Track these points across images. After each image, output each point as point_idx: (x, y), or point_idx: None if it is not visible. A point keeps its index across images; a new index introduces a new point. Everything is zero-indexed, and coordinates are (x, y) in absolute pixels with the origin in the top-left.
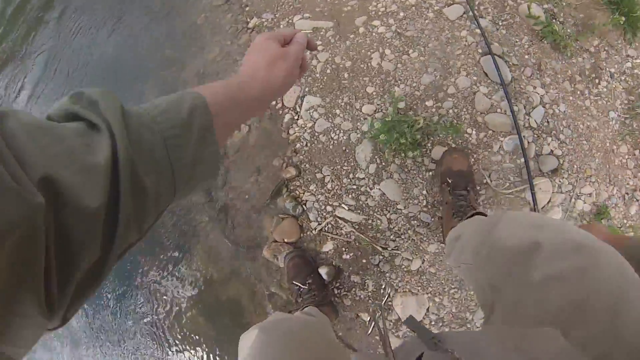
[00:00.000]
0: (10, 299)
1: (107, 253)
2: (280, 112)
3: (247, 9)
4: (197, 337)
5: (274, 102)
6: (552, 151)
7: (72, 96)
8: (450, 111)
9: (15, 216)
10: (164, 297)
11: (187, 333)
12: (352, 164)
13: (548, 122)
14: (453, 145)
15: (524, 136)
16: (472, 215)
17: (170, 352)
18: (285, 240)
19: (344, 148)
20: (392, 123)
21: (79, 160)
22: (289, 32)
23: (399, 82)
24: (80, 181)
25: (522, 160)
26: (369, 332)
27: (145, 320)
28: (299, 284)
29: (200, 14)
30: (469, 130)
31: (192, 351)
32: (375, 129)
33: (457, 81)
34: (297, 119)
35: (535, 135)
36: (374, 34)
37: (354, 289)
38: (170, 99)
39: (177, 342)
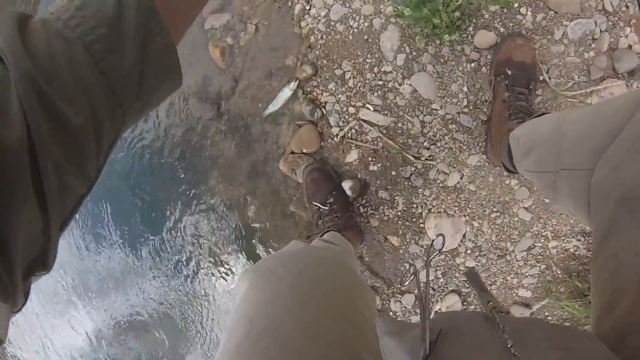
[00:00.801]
0: None
1: (44, 212)
2: (289, 3)
3: None
4: (223, 269)
5: None
6: (630, 46)
7: None
8: None
9: None
10: (187, 235)
11: (212, 267)
12: (377, 55)
13: (627, 6)
14: (501, 29)
15: (595, 22)
16: (539, 116)
17: (196, 287)
18: (304, 150)
19: (365, 37)
20: None
21: None
22: None
23: None
24: None
25: (591, 54)
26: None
27: (173, 259)
28: (319, 205)
29: None
30: (522, 10)
31: (220, 282)
32: (398, 2)
33: None
34: (309, 9)
35: (611, 23)
36: None
37: (381, 207)
38: None
39: (203, 275)
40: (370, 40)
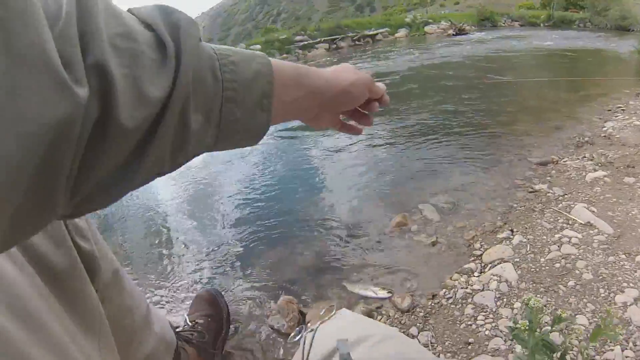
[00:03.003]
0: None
1: (134, 164)
2: (469, 251)
3: (548, 178)
4: None
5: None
6: None
7: (161, 10)
8: None
9: (53, 117)
10: None
11: None
12: None
13: None
14: None
15: None
16: None
17: None
18: None
19: None
20: None
21: (138, 71)
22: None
23: None
24: (129, 93)
25: None
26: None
27: None
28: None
29: None
30: None
31: None
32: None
33: None
34: (474, 273)
35: None
36: None
37: None
38: (243, 55)
39: None
40: None
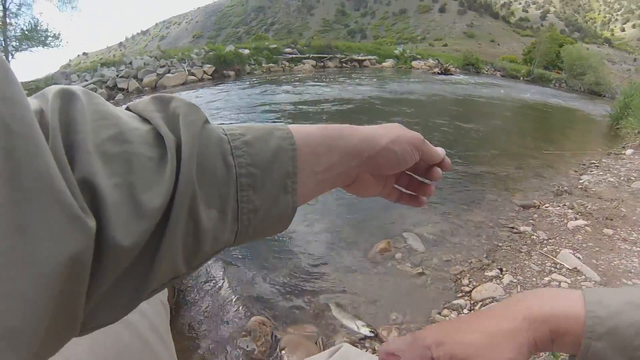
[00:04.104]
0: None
1: (139, 279)
2: (457, 286)
3: (531, 221)
4: None
5: None
6: None
7: (157, 101)
8: None
9: (67, 253)
10: None
11: None
12: None
13: None
14: None
15: None
16: None
17: None
18: None
19: None
20: None
21: (132, 178)
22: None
23: None
24: (122, 207)
25: None
26: None
27: None
28: None
29: None
30: None
31: None
32: None
33: None
34: (463, 310)
35: None
36: None
37: None
38: (258, 132)
39: None
40: None
